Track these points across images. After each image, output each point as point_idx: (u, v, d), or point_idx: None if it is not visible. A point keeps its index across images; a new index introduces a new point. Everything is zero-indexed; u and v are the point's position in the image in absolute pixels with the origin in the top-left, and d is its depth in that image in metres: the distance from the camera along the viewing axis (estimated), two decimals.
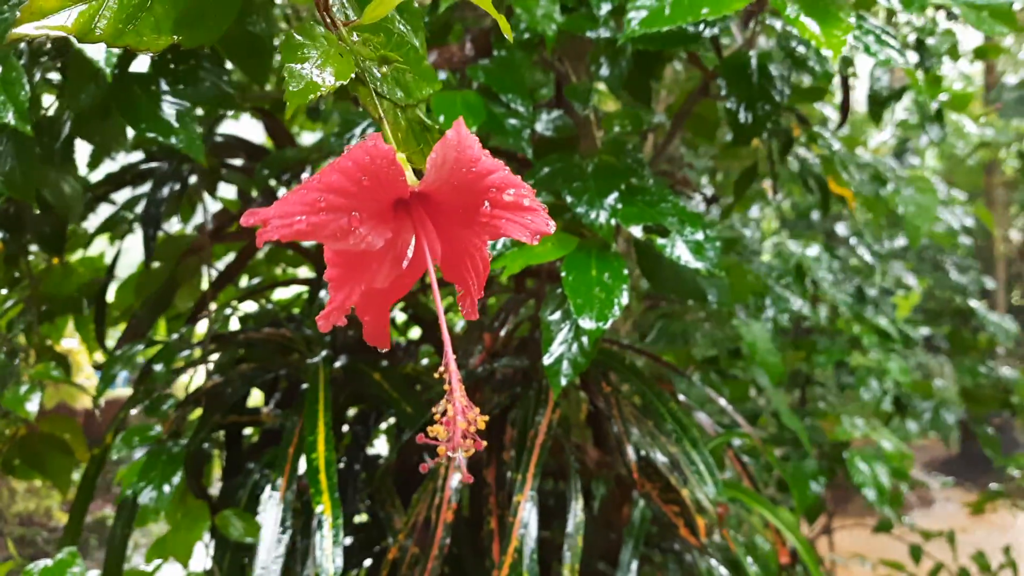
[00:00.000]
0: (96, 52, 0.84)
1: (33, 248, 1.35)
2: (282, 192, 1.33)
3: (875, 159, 2.00)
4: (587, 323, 0.94)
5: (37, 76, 1.00)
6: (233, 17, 0.48)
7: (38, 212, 1.23)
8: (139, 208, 1.41)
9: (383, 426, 1.49)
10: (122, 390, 2.50)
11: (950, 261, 3.58)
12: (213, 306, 1.47)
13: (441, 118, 1.00)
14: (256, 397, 1.49)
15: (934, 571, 2.46)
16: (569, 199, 1.04)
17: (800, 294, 2.27)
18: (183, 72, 0.99)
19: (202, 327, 1.45)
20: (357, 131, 1.09)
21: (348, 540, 1.36)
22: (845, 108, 1.68)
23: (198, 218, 1.55)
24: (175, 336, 1.34)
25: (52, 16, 0.41)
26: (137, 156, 1.45)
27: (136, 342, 1.30)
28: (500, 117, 1.08)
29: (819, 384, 2.74)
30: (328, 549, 0.96)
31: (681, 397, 1.46)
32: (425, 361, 1.52)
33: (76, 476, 1.33)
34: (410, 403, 1.21)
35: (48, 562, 0.87)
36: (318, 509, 0.98)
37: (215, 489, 1.36)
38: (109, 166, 1.39)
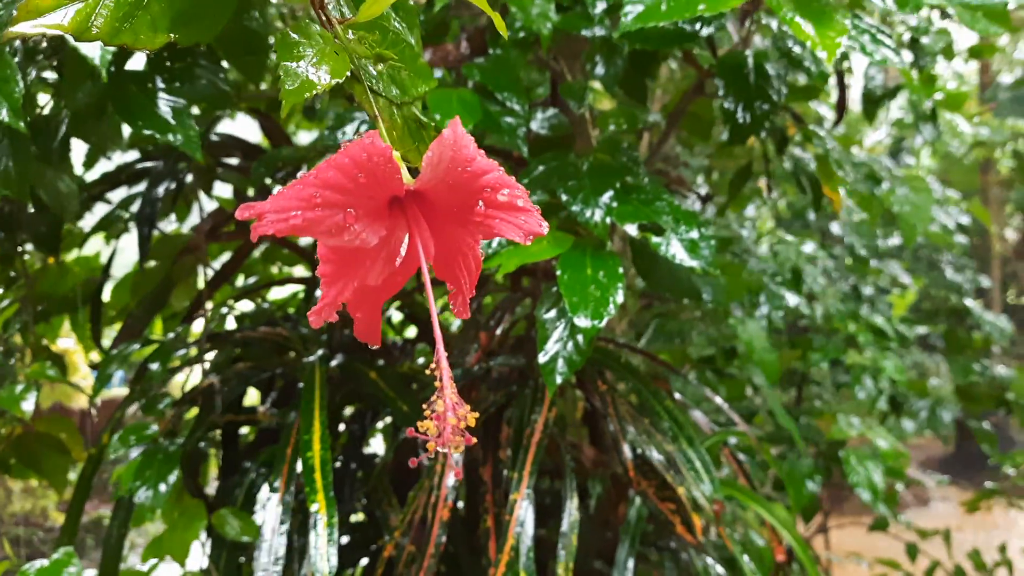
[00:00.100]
0: (92, 50, 0.84)
1: (29, 247, 1.34)
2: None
3: (870, 158, 2.01)
4: (582, 321, 0.95)
5: (33, 74, 1.00)
6: (229, 15, 0.48)
7: (33, 211, 1.23)
8: (135, 207, 1.41)
9: (379, 425, 1.49)
10: (118, 389, 2.50)
11: (946, 260, 3.59)
12: (209, 305, 1.47)
13: (437, 116, 1.00)
14: (252, 396, 1.49)
15: (930, 569, 2.47)
16: (564, 197, 1.04)
17: (796, 291, 2.28)
18: (179, 70, 0.99)
19: (198, 326, 1.45)
20: (351, 128, 1.09)
21: (345, 539, 1.36)
22: (841, 106, 1.68)
23: (194, 217, 1.55)
24: (171, 335, 1.34)
25: (48, 15, 0.41)
26: (133, 155, 1.45)
27: (132, 341, 1.30)
28: (496, 115, 1.08)
29: (815, 382, 2.74)
30: (323, 548, 0.95)
31: (677, 396, 1.46)
32: (421, 360, 1.52)
33: (72, 476, 1.33)
34: (406, 402, 1.21)
35: (44, 562, 0.87)
36: (313, 508, 0.98)
37: (211, 488, 1.36)
38: (104, 165, 1.39)
